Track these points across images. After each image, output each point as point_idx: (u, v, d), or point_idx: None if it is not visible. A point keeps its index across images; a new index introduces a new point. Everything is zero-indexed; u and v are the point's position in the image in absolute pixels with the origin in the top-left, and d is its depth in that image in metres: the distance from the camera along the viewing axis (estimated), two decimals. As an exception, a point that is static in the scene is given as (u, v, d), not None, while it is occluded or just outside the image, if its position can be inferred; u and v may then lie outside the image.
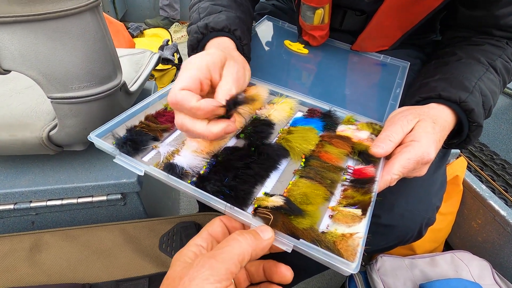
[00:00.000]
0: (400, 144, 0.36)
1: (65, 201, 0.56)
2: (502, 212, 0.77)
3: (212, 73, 0.32)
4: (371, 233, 0.30)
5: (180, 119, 0.30)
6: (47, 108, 0.53)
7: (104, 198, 0.57)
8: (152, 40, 1.99)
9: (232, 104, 0.30)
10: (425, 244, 0.87)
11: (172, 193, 1.04)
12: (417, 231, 0.49)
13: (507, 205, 0.80)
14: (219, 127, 0.29)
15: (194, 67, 0.30)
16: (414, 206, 0.47)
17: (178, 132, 0.41)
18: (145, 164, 0.35)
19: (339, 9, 0.58)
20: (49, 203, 0.55)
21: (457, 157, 0.87)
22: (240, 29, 0.44)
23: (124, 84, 0.54)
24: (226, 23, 0.43)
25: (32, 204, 0.55)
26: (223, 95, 0.30)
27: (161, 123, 0.42)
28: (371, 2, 0.52)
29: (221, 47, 0.40)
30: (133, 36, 2.00)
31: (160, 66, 1.68)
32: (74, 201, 0.56)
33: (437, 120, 0.38)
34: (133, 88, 0.62)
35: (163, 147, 0.37)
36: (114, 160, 0.35)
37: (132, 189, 0.57)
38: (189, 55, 0.46)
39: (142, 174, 0.34)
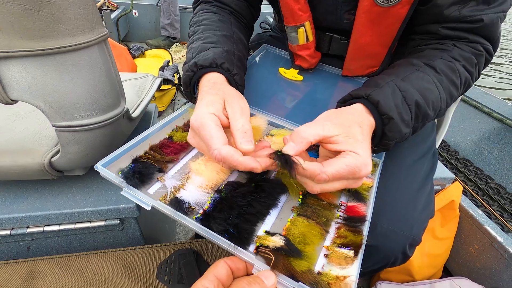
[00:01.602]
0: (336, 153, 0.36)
1: (62, 227, 0.55)
2: (499, 238, 0.77)
3: (220, 118, 0.37)
4: None
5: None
6: (49, 134, 0.54)
7: (102, 223, 0.57)
8: (153, 61, 2.04)
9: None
10: (423, 270, 0.86)
11: (169, 217, 1.03)
12: (401, 252, 0.49)
13: (503, 230, 0.80)
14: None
15: (211, 121, 0.36)
16: (397, 226, 0.46)
17: (182, 164, 0.42)
18: (152, 197, 0.35)
19: (325, 34, 0.62)
20: (46, 228, 0.55)
21: (453, 182, 0.88)
22: (227, 61, 0.46)
23: (127, 111, 0.55)
24: (213, 58, 0.45)
25: (29, 230, 0.54)
26: (239, 134, 0.36)
27: (166, 154, 0.42)
28: (351, 22, 0.54)
29: (215, 88, 0.42)
30: (134, 57, 2.05)
31: (161, 86, 1.71)
32: (71, 226, 0.56)
33: (362, 122, 0.38)
34: (135, 113, 0.63)
35: (169, 180, 0.38)
36: (121, 192, 0.36)
37: (130, 214, 0.57)
38: (184, 91, 0.48)
39: (149, 208, 0.35)
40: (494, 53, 0.51)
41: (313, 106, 0.57)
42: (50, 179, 0.54)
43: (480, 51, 0.48)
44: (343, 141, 0.35)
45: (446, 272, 0.95)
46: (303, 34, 0.58)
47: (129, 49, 2.05)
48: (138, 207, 0.56)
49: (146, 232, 0.66)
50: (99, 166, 0.37)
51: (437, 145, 0.76)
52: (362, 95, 0.41)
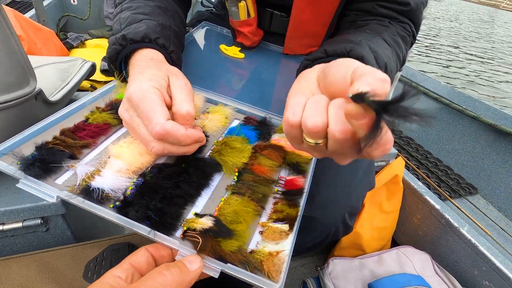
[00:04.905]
0: None
1: (-34, 233, 0.47)
2: (437, 206, 0.83)
3: (164, 96, 0.34)
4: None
5: (164, 147, 0.32)
6: None
7: (19, 225, 0.49)
8: (95, 51, 1.87)
9: None
10: (373, 243, 0.90)
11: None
12: (341, 221, 0.49)
13: (440, 199, 0.86)
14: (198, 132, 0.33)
15: (155, 95, 0.32)
16: (335, 196, 0.46)
17: (100, 149, 0.36)
18: (58, 188, 0.30)
19: (266, 10, 0.60)
20: None
21: (396, 157, 0.93)
22: (163, 36, 0.42)
23: (41, 92, 0.48)
24: (146, 32, 0.40)
25: None
26: (183, 116, 0.33)
27: (80, 138, 0.36)
28: None
29: (156, 64, 0.38)
30: (72, 47, 1.86)
31: (103, 78, 1.57)
32: (-22, 231, 0.48)
33: None
34: (55, 97, 0.56)
35: (81, 167, 0.32)
36: (17, 185, 0.30)
37: (55, 211, 0.50)
38: (109, 66, 0.43)
39: (54, 200, 0.29)
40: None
41: (258, 85, 0.55)
42: None
43: (409, 32, 0.50)
44: None
45: (394, 243, 1.01)
46: (244, 8, 0.55)
47: (65, 38, 1.86)
48: (64, 203, 0.50)
49: (79, 230, 0.59)
50: None
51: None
52: (342, 51, 0.37)
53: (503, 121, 1.11)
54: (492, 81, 4.36)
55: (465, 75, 4.38)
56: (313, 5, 0.51)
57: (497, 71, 4.98)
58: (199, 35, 0.66)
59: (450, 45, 6.10)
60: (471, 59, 5.37)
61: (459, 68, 4.67)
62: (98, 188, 0.29)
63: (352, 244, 0.88)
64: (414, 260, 0.78)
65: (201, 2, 0.82)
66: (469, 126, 1.15)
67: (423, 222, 0.88)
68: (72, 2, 2.72)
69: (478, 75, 4.48)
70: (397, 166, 0.90)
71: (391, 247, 0.97)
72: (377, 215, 0.91)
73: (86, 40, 2.00)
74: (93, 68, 0.79)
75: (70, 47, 1.84)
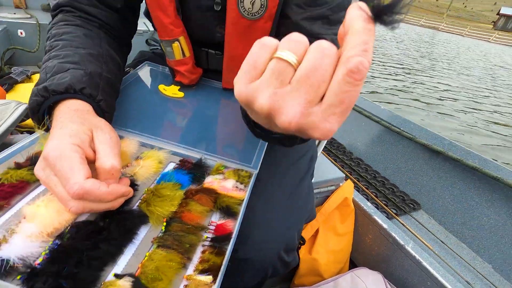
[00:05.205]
0: None
1: None
2: (385, 226, 0.87)
3: (86, 151, 0.33)
4: (232, 272, 0.30)
5: (83, 206, 0.31)
6: None
7: None
8: (42, 85, 1.77)
9: None
10: (330, 267, 0.91)
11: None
12: (278, 258, 0.48)
13: (388, 218, 0.91)
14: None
15: (75, 153, 0.31)
16: (269, 235, 0.47)
17: (14, 211, 0.34)
18: None
19: (201, 49, 0.62)
20: None
21: (346, 180, 0.97)
22: (89, 86, 0.41)
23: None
24: (70, 83, 0.40)
25: None
26: (107, 171, 0.33)
27: None
28: (223, 35, 0.55)
29: (80, 116, 0.37)
30: (17, 82, 1.75)
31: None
32: None
33: None
34: (-23, 148, 0.52)
35: None
36: None
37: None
38: (32, 117, 0.41)
39: None
40: None
41: (195, 125, 0.56)
42: None
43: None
44: None
45: (353, 264, 1.03)
46: (179, 49, 0.57)
47: (9, 73, 1.76)
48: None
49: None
50: None
51: (320, 149, 0.83)
52: None
53: (433, 141, 1.23)
54: (431, 92, 5.16)
55: (407, 87, 5.18)
56: (245, 40, 0.54)
57: (438, 82, 5.85)
58: (140, 75, 0.66)
59: (396, 62, 7.07)
60: (414, 74, 6.27)
61: (401, 81, 5.51)
62: (2, 259, 0.27)
63: (310, 271, 0.89)
64: (367, 282, 0.80)
65: (146, 40, 0.83)
66: (407, 146, 1.26)
67: (375, 242, 0.92)
68: (19, 34, 2.59)
69: (417, 87, 5.30)
70: (347, 189, 0.94)
71: (349, 269, 1.00)
72: (332, 239, 0.93)
73: (34, 74, 1.90)
74: (26, 111, 0.75)
75: (14, 82, 1.73)
